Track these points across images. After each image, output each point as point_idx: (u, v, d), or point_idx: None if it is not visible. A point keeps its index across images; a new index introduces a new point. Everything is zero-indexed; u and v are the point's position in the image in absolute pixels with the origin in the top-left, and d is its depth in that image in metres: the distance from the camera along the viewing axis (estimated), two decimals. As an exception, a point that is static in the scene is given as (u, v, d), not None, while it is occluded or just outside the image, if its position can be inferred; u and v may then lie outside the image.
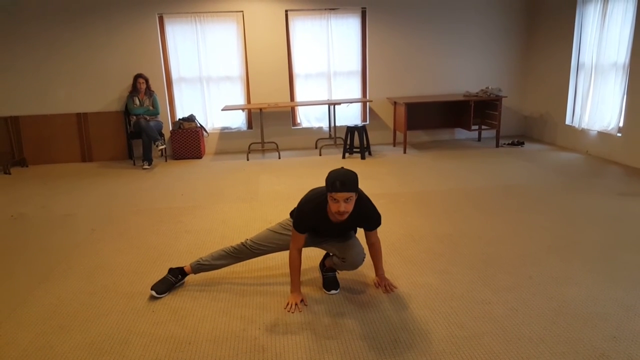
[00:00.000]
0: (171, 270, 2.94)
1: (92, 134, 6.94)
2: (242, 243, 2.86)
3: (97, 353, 2.31)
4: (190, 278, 3.06)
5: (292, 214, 2.79)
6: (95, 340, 2.42)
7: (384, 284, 2.79)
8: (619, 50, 5.59)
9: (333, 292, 2.82)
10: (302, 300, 2.69)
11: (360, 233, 2.83)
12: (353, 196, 2.42)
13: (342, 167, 2.46)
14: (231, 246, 2.90)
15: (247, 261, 3.25)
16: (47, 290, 2.97)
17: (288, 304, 2.67)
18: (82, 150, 6.96)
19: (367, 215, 2.63)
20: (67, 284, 3.05)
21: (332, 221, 2.59)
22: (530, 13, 7.26)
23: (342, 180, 2.36)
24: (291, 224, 2.72)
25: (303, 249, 2.72)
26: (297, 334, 2.41)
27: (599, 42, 5.89)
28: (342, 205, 2.39)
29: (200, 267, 2.93)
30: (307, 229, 2.62)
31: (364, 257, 2.74)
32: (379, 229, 2.73)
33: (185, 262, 3.28)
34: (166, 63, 6.99)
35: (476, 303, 2.63)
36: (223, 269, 3.14)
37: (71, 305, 2.78)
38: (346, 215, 2.45)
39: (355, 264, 2.71)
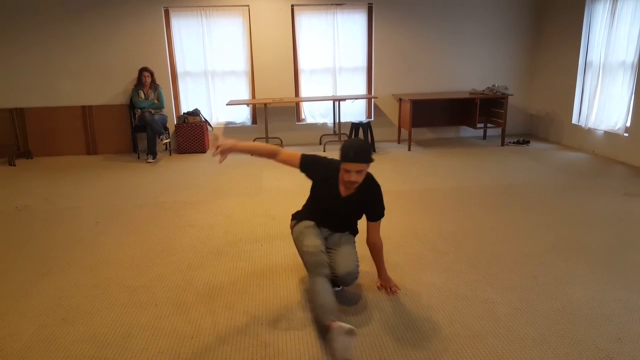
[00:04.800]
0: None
1: (97, 127, 6.94)
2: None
3: (100, 346, 2.31)
4: (193, 273, 3.06)
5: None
6: (97, 333, 2.42)
7: (387, 286, 2.77)
8: (627, 50, 5.54)
9: (336, 289, 2.81)
10: (227, 149, 2.45)
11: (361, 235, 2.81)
12: (365, 167, 2.44)
13: (357, 137, 2.47)
14: (314, 276, 2.48)
15: (251, 256, 3.26)
16: (51, 283, 2.98)
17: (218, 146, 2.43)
18: (87, 143, 6.97)
19: (374, 198, 2.62)
20: (71, 277, 3.05)
21: (341, 193, 2.58)
22: (538, 11, 7.20)
23: (357, 151, 2.38)
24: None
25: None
26: (299, 330, 2.41)
27: (607, 41, 5.84)
28: (353, 176, 2.42)
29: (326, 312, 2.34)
30: (313, 173, 2.61)
31: (356, 277, 2.57)
32: (382, 227, 2.71)
33: (189, 257, 3.28)
34: (171, 57, 6.98)
35: (480, 302, 2.62)
36: (226, 265, 3.15)
37: (74, 298, 2.78)
38: (356, 186, 2.49)
39: (344, 279, 2.53)
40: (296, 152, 2.61)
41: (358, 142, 2.42)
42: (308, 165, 2.61)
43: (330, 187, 2.62)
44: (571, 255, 3.18)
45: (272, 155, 2.56)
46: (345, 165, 2.42)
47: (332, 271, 2.60)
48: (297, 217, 2.80)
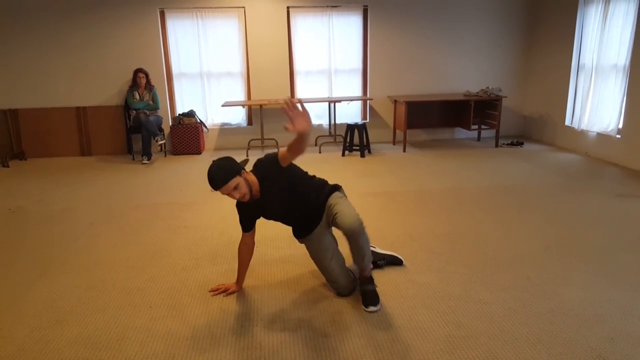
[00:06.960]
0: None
1: (92, 128, 6.92)
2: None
3: (94, 348, 2.31)
4: (188, 275, 3.06)
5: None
6: (92, 335, 2.42)
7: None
8: (619, 52, 5.59)
9: (372, 308, 2.55)
10: (232, 292, 2.79)
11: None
12: (236, 181, 2.35)
13: (212, 162, 2.40)
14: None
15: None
16: (45, 285, 2.97)
17: (219, 288, 2.81)
18: (81, 144, 6.94)
19: (267, 168, 2.46)
20: (65, 279, 3.04)
21: (255, 199, 2.49)
22: (532, 13, 7.25)
23: (212, 180, 2.35)
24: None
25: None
26: (294, 331, 2.41)
27: (599, 44, 5.89)
28: (235, 195, 2.38)
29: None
30: (248, 222, 2.68)
31: (361, 222, 2.42)
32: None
33: (184, 258, 3.28)
34: (167, 58, 6.97)
35: (474, 302, 2.64)
36: (220, 267, 3.15)
37: (68, 300, 2.77)
38: (248, 196, 2.42)
39: (349, 227, 2.39)
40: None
41: (210, 171, 2.35)
42: (244, 224, 2.70)
43: (254, 206, 2.56)
44: (565, 255, 3.21)
45: (246, 249, 2.73)
46: (221, 193, 2.39)
47: (340, 227, 2.46)
48: (299, 236, 2.77)
